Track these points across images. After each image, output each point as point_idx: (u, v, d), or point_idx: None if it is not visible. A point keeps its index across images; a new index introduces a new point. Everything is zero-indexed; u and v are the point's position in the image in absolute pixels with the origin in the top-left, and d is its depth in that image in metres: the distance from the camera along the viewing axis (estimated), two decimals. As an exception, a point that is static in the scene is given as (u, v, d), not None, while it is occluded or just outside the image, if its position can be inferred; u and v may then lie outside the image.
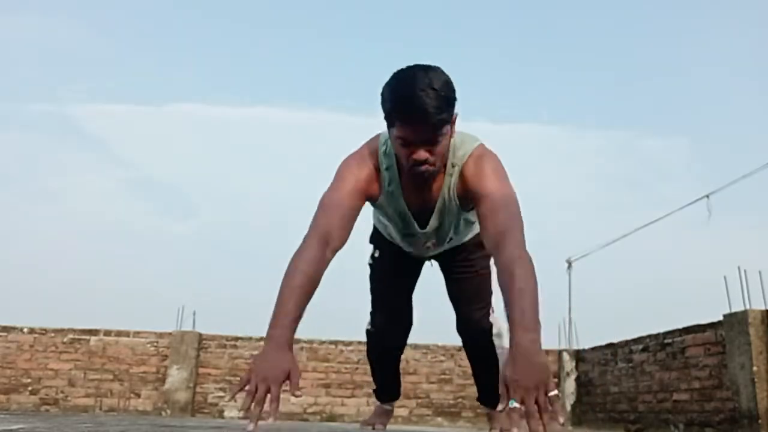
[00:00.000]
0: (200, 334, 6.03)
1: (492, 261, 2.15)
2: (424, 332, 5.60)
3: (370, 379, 2.66)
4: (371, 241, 2.29)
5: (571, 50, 12.08)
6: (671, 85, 11.76)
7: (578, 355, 6.25)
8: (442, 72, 1.60)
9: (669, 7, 11.46)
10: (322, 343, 6.12)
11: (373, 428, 2.52)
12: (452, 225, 1.92)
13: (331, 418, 5.88)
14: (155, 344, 5.97)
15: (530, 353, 1.28)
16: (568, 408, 6.17)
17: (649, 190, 11.05)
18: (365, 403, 5.79)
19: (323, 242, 1.57)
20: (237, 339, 6.09)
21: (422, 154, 1.60)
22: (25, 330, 5.90)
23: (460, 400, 6.09)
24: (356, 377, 5.95)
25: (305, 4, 12.79)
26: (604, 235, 6.52)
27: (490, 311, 2.19)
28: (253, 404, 1.32)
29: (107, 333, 5.97)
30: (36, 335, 5.89)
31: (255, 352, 6.01)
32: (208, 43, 12.75)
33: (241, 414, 1.34)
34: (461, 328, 2.24)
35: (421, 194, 1.79)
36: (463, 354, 6.45)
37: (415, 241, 2.00)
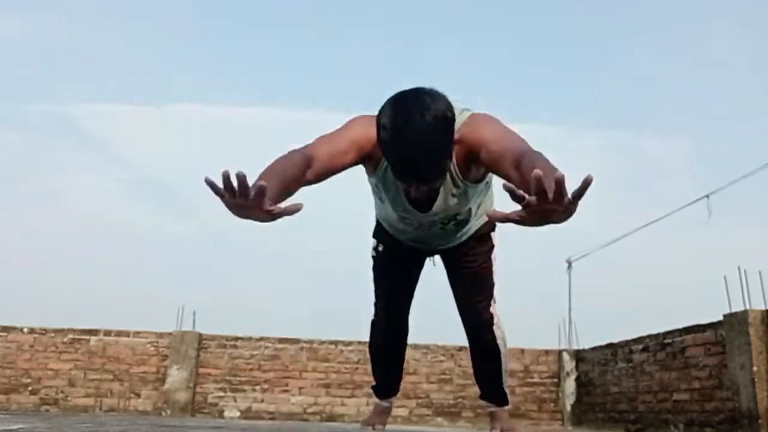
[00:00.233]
0: (200, 334, 6.03)
1: (493, 255, 2.22)
2: (424, 332, 5.61)
3: (370, 378, 2.67)
4: (374, 235, 2.30)
5: (571, 50, 12.08)
6: (672, 85, 11.76)
7: (578, 355, 6.25)
8: (439, 101, 1.55)
9: (669, 7, 11.46)
10: (322, 343, 6.12)
11: (373, 428, 2.53)
12: (461, 207, 1.89)
13: (331, 418, 5.88)
14: (155, 344, 5.97)
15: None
16: (568, 408, 6.17)
17: (649, 190, 11.04)
18: (365, 403, 5.78)
19: (305, 162, 1.54)
20: (237, 339, 6.09)
21: (422, 189, 1.64)
22: (25, 330, 5.90)
23: (460, 400, 6.09)
24: (356, 377, 5.94)
25: (305, 4, 12.78)
26: (604, 235, 6.51)
27: (492, 302, 2.24)
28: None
29: (107, 333, 5.97)
30: (36, 335, 5.89)
31: (255, 352, 6.02)
32: (208, 43, 12.74)
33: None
34: (464, 318, 2.28)
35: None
36: (463, 354, 6.43)
37: (414, 224, 1.99)
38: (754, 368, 3.92)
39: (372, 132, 1.63)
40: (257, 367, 5.97)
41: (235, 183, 1.20)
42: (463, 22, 11.90)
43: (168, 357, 5.90)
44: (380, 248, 2.28)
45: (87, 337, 5.93)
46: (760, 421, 3.83)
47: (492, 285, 2.23)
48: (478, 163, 1.70)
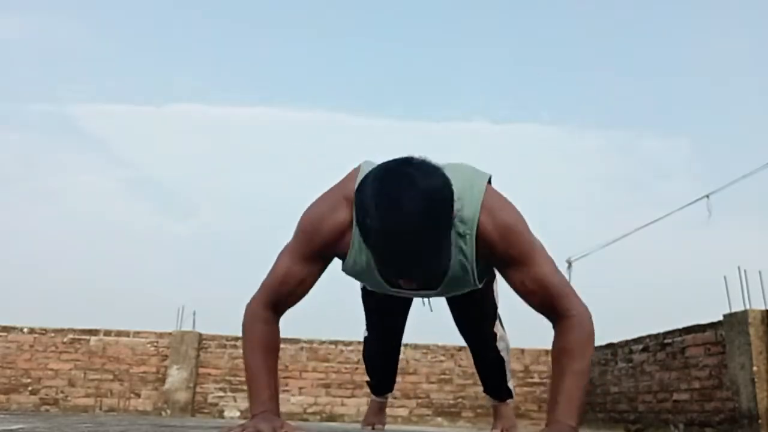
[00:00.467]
0: (200, 334, 6.03)
1: (495, 280, 1.98)
2: (424, 332, 5.61)
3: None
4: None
5: (571, 50, 12.08)
6: (671, 85, 11.76)
7: (578, 355, 6.24)
8: (434, 177, 1.22)
9: (669, 7, 11.46)
10: (322, 343, 6.12)
11: (373, 428, 2.53)
12: (467, 285, 1.57)
13: (331, 418, 5.88)
14: (155, 344, 5.97)
15: None
16: (568, 408, 6.16)
17: (649, 190, 11.04)
18: (365, 403, 5.77)
19: (276, 311, 1.50)
20: (237, 339, 6.08)
21: (412, 283, 1.30)
22: (25, 330, 5.90)
23: (460, 400, 6.09)
24: (356, 377, 5.95)
25: (305, 4, 12.78)
26: (604, 235, 6.52)
27: (494, 322, 2.15)
28: None
29: (107, 333, 5.97)
30: (36, 335, 5.89)
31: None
32: (208, 43, 12.74)
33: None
34: (465, 339, 2.20)
35: None
36: (463, 354, 6.42)
37: (403, 294, 1.71)
38: (754, 368, 3.92)
39: (327, 227, 1.42)
40: (257, 367, 5.97)
41: None
42: (463, 22, 11.90)
43: (168, 357, 5.91)
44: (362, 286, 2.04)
45: (87, 337, 5.93)
46: (760, 421, 3.83)
47: (494, 307, 2.10)
48: (489, 257, 1.46)
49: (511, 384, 2.38)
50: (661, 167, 11.32)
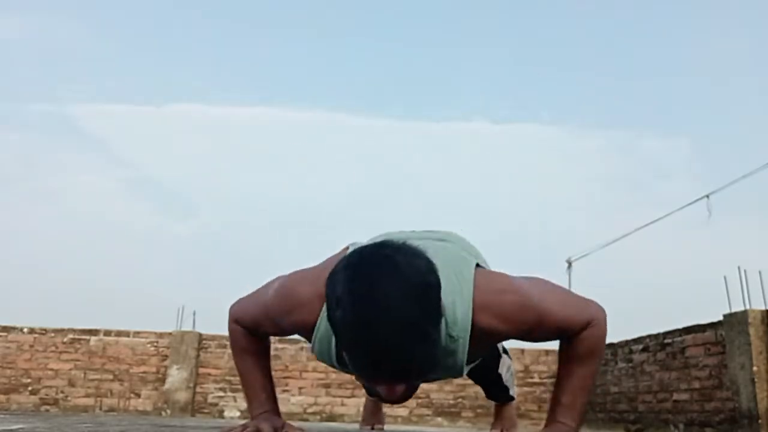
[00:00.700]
0: (200, 334, 6.03)
1: None
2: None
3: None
4: None
5: (571, 50, 12.08)
6: (671, 85, 11.76)
7: (578, 355, 6.25)
8: (417, 261, 1.05)
9: (669, 7, 11.46)
10: (322, 343, 6.12)
11: (372, 428, 2.52)
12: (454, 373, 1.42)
13: (331, 418, 5.88)
14: (155, 344, 5.97)
15: None
16: (568, 408, 6.17)
17: (649, 190, 11.06)
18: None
19: (256, 334, 1.46)
20: (237, 339, 6.09)
21: (396, 390, 1.08)
22: (25, 330, 5.90)
23: (460, 400, 6.09)
24: (356, 377, 5.94)
25: (305, 4, 12.79)
26: (604, 235, 6.54)
27: (500, 360, 2.08)
28: None
29: (107, 333, 5.97)
30: (36, 335, 5.89)
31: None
32: (208, 43, 12.75)
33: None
34: (473, 378, 2.13)
35: None
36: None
37: None
38: (754, 368, 3.92)
39: (301, 312, 1.28)
40: (257, 367, 5.97)
41: None
42: (463, 22, 11.90)
43: (168, 357, 5.90)
44: None
45: (87, 337, 5.93)
46: (760, 421, 3.83)
47: (498, 352, 2.02)
48: (490, 341, 1.36)
49: (513, 391, 2.37)
50: (661, 167, 11.33)
